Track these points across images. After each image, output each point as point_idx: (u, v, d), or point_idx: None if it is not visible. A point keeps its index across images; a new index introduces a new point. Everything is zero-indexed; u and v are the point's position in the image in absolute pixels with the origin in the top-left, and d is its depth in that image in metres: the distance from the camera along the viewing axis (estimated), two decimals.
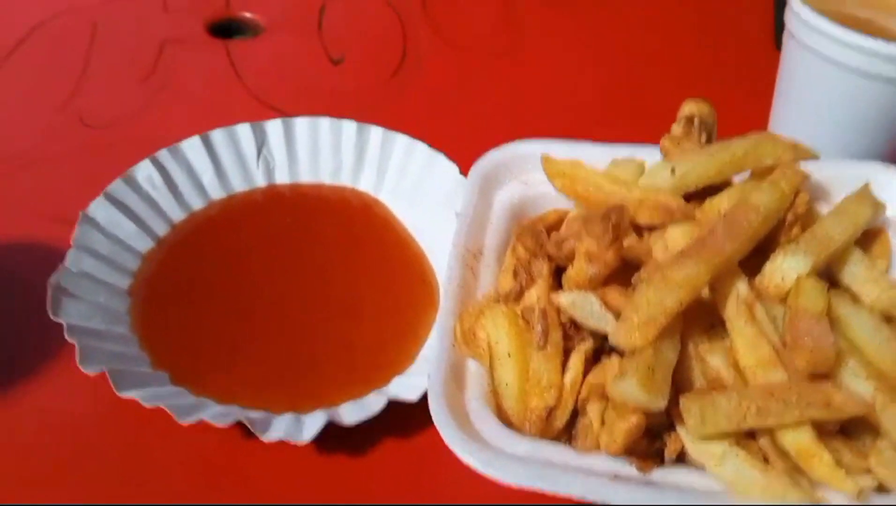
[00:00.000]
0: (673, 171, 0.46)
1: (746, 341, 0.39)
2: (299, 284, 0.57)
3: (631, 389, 0.36)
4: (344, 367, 0.52)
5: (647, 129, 0.51)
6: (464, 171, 0.59)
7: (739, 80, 0.76)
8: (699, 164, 0.45)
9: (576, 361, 0.42)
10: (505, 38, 0.83)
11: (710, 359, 0.39)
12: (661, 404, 0.36)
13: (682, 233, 0.43)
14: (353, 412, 0.47)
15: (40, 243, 0.59)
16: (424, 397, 0.45)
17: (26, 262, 0.58)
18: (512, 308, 0.44)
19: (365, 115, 0.66)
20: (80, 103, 0.72)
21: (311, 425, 0.46)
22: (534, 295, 0.45)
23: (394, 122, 0.64)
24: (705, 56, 0.81)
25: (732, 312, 0.39)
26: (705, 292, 0.41)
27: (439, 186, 0.60)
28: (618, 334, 0.38)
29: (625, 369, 0.37)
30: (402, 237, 0.60)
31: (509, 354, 0.42)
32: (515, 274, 0.46)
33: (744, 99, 0.67)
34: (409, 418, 0.48)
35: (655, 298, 0.38)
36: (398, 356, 0.52)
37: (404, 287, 0.57)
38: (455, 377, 0.43)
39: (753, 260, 0.43)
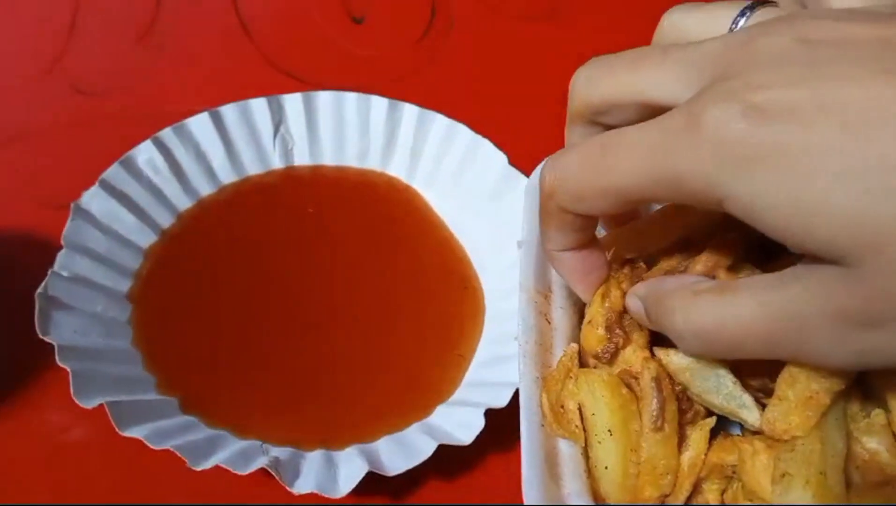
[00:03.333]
0: None
1: None
2: (324, 285, 0.50)
3: (803, 501, 0.28)
4: (379, 391, 0.45)
5: None
6: (511, 159, 0.52)
7: None
8: None
9: (698, 439, 0.34)
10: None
11: (867, 440, 0.31)
12: None
13: None
14: (394, 455, 0.40)
15: (27, 234, 0.51)
16: (477, 439, 0.40)
17: (10, 257, 0.51)
18: (609, 372, 0.35)
19: (390, 86, 0.58)
20: (71, 66, 0.63)
21: (347, 473, 0.39)
22: (632, 356, 0.35)
23: (423, 95, 0.56)
24: None
25: None
26: None
27: (483, 176, 0.52)
28: (771, 420, 0.31)
29: (785, 468, 0.29)
30: (440, 232, 0.53)
31: (610, 431, 0.34)
32: (609, 329, 0.36)
33: None
34: (455, 456, 0.41)
35: (818, 369, 0.30)
36: (440, 379, 0.46)
37: (444, 293, 0.50)
38: (548, 465, 0.34)
39: None
